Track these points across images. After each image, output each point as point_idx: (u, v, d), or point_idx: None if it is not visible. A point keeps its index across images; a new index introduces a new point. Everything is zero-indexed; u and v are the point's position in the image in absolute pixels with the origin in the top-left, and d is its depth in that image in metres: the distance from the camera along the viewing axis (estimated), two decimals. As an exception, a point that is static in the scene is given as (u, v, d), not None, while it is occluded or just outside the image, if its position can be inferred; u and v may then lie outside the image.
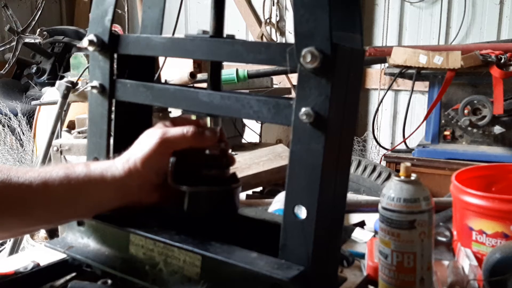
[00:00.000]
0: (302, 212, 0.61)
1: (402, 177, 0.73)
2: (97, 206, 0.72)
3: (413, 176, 0.73)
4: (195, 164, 0.74)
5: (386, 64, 2.29)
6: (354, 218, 1.18)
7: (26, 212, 0.68)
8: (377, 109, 2.64)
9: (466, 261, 0.86)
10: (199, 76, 1.78)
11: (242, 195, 1.42)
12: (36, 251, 1.11)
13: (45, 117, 2.41)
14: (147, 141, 0.72)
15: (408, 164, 0.73)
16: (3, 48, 4.07)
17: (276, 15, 4.22)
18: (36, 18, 4.08)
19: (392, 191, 0.73)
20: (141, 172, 0.71)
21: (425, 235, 0.72)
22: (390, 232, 0.72)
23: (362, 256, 0.89)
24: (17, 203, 0.67)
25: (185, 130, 0.72)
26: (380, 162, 2.56)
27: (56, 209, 0.70)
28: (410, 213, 0.71)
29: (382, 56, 2.28)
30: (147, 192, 0.72)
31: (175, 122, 0.75)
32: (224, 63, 0.78)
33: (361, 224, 1.13)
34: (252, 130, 2.48)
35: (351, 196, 1.39)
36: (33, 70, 4.06)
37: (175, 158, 0.72)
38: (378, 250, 0.75)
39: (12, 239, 1.66)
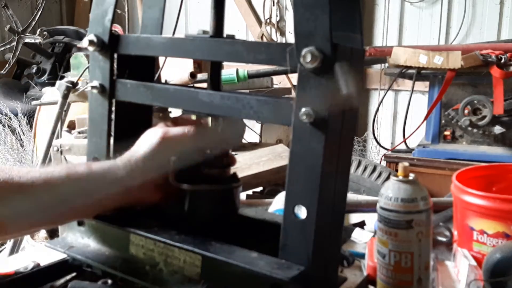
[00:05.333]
0: (302, 212, 0.61)
1: (400, 177, 0.73)
2: (99, 206, 0.72)
3: (411, 176, 0.73)
4: (196, 163, 0.74)
5: (386, 64, 2.29)
6: (354, 218, 1.18)
7: (28, 212, 0.68)
8: (377, 109, 2.63)
9: (465, 262, 0.86)
10: (199, 76, 1.78)
11: (242, 195, 1.42)
12: (36, 251, 1.11)
13: (45, 117, 2.41)
14: (148, 140, 0.72)
15: (406, 164, 0.73)
16: (3, 48, 4.07)
17: (276, 15, 4.22)
18: (36, 18, 4.08)
19: (390, 191, 0.73)
20: (143, 171, 0.71)
21: (423, 235, 0.72)
22: (388, 231, 0.73)
23: (362, 256, 0.89)
24: (18, 203, 0.67)
25: (186, 129, 0.72)
26: (380, 162, 2.56)
27: (58, 209, 0.70)
28: (408, 213, 0.71)
29: (382, 56, 2.28)
30: (148, 191, 0.73)
31: (177, 122, 0.76)
32: (224, 63, 0.78)
33: (361, 224, 1.13)
34: (252, 130, 2.48)
35: (351, 196, 1.39)
36: (33, 70, 4.06)
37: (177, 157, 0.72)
38: (376, 250, 0.75)
39: (12, 239, 1.66)
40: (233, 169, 0.77)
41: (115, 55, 0.77)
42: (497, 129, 2.10)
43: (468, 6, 3.58)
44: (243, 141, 2.06)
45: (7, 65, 4.06)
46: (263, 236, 0.71)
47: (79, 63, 2.02)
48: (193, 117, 0.80)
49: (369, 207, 1.20)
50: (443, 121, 2.18)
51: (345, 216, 1.14)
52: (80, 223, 0.77)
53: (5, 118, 3.55)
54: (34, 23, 4.04)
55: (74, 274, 0.78)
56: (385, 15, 3.89)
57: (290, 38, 4.23)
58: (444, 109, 2.17)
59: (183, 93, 0.72)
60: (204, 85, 0.78)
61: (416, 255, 0.72)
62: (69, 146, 1.53)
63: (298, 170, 0.61)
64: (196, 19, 4.53)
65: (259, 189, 1.52)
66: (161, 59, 1.40)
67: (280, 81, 3.60)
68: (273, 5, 4.19)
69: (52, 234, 1.73)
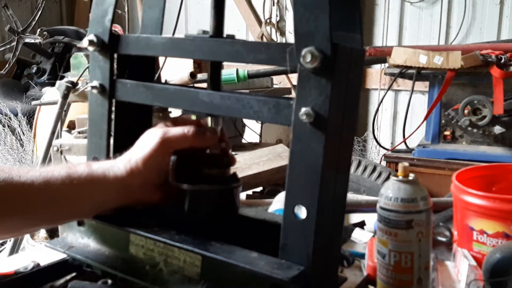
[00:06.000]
0: (302, 212, 0.61)
1: (400, 177, 0.73)
2: (99, 206, 0.72)
3: (411, 176, 0.73)
4: (196, 163, 0.74)
5: (386, 64, 2.29)
6: (354, 218, 1.18)
7: (28, 211, 0.68)
8: (377, 109, 2.64)
9: (465, 262, 0.86)
10: (199, 76, 1.78)
11: (242, 195, 1.42)
12: (36, 251, 1.11)
13: (45, 117, 2.41)
14: (148, 141, 0.72)
15: (406, 164, 0.73)
16: (3, 48, 4.08)
17: (276, 15, 4.22)
18: (36, 18, 4.08)
19: (390, 191, 0.73)
20: (143, 172, 0.71)
21: (423, 235, 0.72)
22: (388, 231, 0.73)
23: (362, 256, 0.89)
24: (18, 202, 0.67)
25: (186, 130, 0.72)
26: (380, 162, 2.56)
27: (58, 209, 0.70)
28: (408, 213, 0.71)
29: (382, 56, 2.28)
30: (148, 192, 0.73)
31: (176, 122, 0.76)
32: (224, 63, 0.78)
33: (361, 224, 1.13)
34: (252, 130, 2.48)
35: (351, 196, 1.39)
36: (33, 70, 4.06)
37: (176, 157, 0.72)
38: (376, 250, 0.75)
39: (12, 239, 1.66)
40: (233, 169, 0.77)
41: (115, 55, 0.77)
42: (497, 129, 2.10)
43: (468, 6, 3.58)
44: (243, 141, 2.07)
45: (7, 65, 4.07)
46: (263, 236, 0.71)
47: (79, 63, 2.02)
48: (193, 117, 0.80)
49: (369, 207, 1.20)
50: (443, 121, 2.18)
51: (345, 216, 1.14)
52: (80, 223, 0.77)
53: (5, 118, 3.55)
54: (34, 23, 4.04)
55: (74, 274, 0.78)
56: (385, 15, 3.89)
57: (290, 38, 4.23)
58: (444, 109, 2.17)
59: (183, 93, 0.71)
60: (204, 85, 0.78)
61: (416, 255, 0.72)
62: (69, 146, 1.54)
63: (298, 170, 0.61)
64: (196, 19, 4.54)
65: (259, 189, 1.52)
66: (161, 59, 1.40)
67: (280, 81, 3.61)
68: (273, 5, 4.20)
69: (52, 234, 1.73)
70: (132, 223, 0.72)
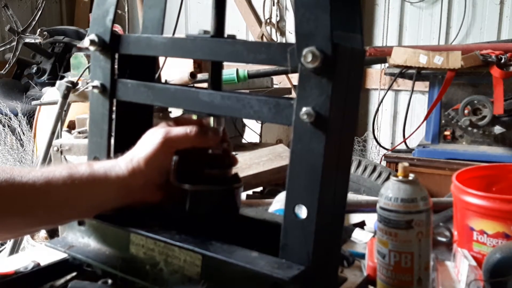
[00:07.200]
0: (302, 212, 0.61)
1: (400, 177, 0.73)
2: (101, 206, 0.72)
3: (411, 176, 0.73)
4: (198, 163, 0.74)
5: (386, 64, 2.29)
6: (354, 218, 1.18)
7: (29, 211, 0.68)
8: (377, 109, 2.64)
9: (465, 262, 0.86)
10: (200, 76, 1.78)
11: (243, 195, 1.42)
12: (37, 250, 1.11)
13: (45, 117, 2.41)
14: (150, 140, 0.72)
15: (406, 164, 0.73)
16: (3, 48, 4.08)
17: (276, 15, 4.22)
18: (37, 18, 4.08)
19: (390, 191, 0.73)
20: (145, 172, 0.71)
21: (423, 235, 0.72)
22: (388, 232, 0.73)
23: (362, 256, 0.89)
24: (20, 202, 0.67)
25: (188, 129, 0.72)
26: (380, 162, 2.56)
27: (59, 209, 0.70)
28: (408, 213, 0.71)
29: (382, 56, 2.28)
30: (150, 192, 0.73)
31: (178, 121, 0.76)
32: (225, 63, 0.78)
33: (361, 224, 1.13)
34: (252, 130, 2.48)
35: (351, 196, 1.39)
36: (34, 70, 4.06)
37: (178, 157, 0.72)
38: (376, 250, 0.76)
39: (12, 239, 1.66)
40: (233, 170, 0.77)
41: (116, 55, 0.77)
42: (497, 129, 2.10)
43: (468, 6, 3.58)
44: (243, 141, 2.07)
45: (7, 65, 4.07)
46: (264, 236, 0.71)
47: (79, 63, 2.02)
48: (194, 117, 0.80)
49: (369, 207, 1.20)
50: (443, 121, 2.19)
51: (345, 216, 1.14)
52: (80, 223, 0.77)
53: (5, 118, 3.55)
54: (34, 23, 4.05)
55: (74, 273, 0.78)
56: (385, 15, 3.89)
57: (290, 38, 4.23)
58: (444, 109, 2.17)
59: (183, 93, 0.72)
60: (204, 85, 0.78)
61: (416, 255, 0.72)
62: (69, 146, 1.54)
63: (298, 169, 0.61)
64: (197, 19, 4.54)
65: (259, 189, 1.52)
66: (161, 59, 1.40)
67: (280, 81, 3.61)
68: (273, 5, 4.20)
69: (52, 234, 1.73)
70: (133, 223, 0.72)
